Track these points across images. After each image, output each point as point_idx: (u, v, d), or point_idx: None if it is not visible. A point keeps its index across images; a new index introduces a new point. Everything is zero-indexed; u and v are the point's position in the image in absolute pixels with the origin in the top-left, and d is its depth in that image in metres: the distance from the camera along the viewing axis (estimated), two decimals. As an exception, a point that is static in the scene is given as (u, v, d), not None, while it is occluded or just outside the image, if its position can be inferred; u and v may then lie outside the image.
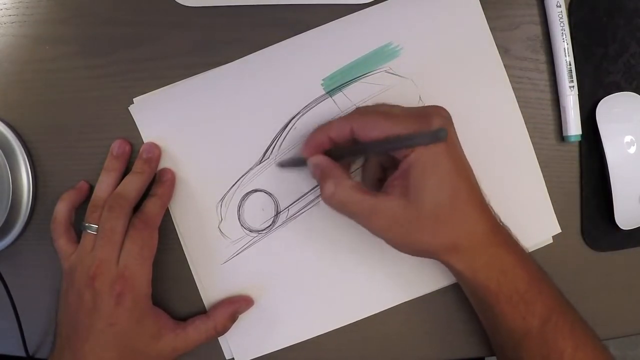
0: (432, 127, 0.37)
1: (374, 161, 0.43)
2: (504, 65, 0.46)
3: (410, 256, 0.46)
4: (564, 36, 0.45)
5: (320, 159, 0.40)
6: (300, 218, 0.46)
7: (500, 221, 0.41)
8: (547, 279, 0.41)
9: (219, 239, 0.46)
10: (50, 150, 0.46)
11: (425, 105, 0.39)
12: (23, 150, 0.45)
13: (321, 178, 0.39)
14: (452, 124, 0.39)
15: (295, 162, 0.44)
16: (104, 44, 0.45)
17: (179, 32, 0.45)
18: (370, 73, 0.46)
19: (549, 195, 0.47)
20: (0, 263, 0.46)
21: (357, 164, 0.45)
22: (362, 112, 0.40)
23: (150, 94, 0.45)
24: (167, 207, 0.45)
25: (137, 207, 0.43)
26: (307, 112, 0.45)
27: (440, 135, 0.33)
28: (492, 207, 0.40)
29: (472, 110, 0.46)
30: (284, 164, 0.45)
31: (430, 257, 0.41)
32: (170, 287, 0.46)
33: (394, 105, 0.41)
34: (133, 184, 0.43)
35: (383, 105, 0.41)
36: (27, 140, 0.46)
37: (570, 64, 0.45)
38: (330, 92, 0.45)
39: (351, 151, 0.40)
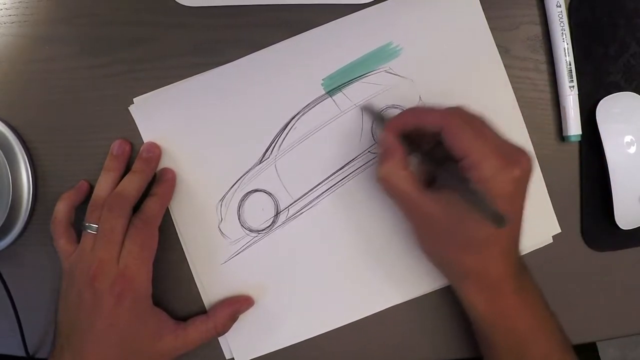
0: (514, 172, 0.36)
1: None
2: (504, 65, 0.46)
3: (409, 255, 0.46)
4: (564, 36, 0.45)
5: (390, 138, 0.40)
6: (300, 218, 0.46)
7: (522, 262, 0.41)
8: (552, 321, 0.41)
9: (219, 239, 0.46)
10: (50, 150, 0.46)
11: (511, 142, 0.38)
12: (23, 150, 0.45)
13: (382, 156, 0.40)
14: (530, 174, 0.38)
15: (377, 118, 0.44)
16: (104, 44, 0.45)
17: (179, 32, 0.45)
18: (370, 73, 0.46)
19: (549, 195, 0.47)
20: (0, 263, 0.46)
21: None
22: (457, 118, 0.38)
23: (150, 94, 0.45)
24: (167, 207, 0.45)
25: (137, 207, 0.43)
26: (307, 112, 0.46)
27: (502, 224, 0.34)
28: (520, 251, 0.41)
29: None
30: (368, 110, 0.45)
31: (442, 272, 0.43)
32: (170, 287, 0.46)
33: (490, 127, 0.38)
34: (133, 184, 0.43)
35: (481, 119, 0.39)
36: (27, 140, 0.46)
37: (570, 64, 0.45)
38: (330, 92, 0.45)
39: (424, 154, 0.41)
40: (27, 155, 0.45)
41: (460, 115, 0.38)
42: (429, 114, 0.39)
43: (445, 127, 0.37)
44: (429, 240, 0.41)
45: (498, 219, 0.34)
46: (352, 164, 0.46)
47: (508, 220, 0.34)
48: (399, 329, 0.47)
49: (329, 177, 0.46)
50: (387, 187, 0.40)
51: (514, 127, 0.46)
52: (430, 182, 0.42)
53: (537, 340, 0.40)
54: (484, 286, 0.40)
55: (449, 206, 0.38)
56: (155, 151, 0.45)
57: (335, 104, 0.46)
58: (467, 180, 0.37)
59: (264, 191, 0.46)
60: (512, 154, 0.37)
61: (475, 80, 0.46)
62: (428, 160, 0.41)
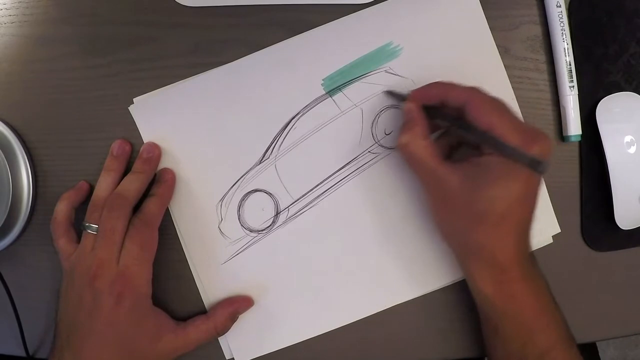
0: (533, 150, 0.36)
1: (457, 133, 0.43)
2: (504, 65, 0.46)
3: (409, 255, 0.46)
4: (564, 36, 0.45)
5: (414, 109, 0.41)
6: (300, 218, 0.46)
7: (532, 253, 0.41)
8: (557, 314, 0.41)
9: (219, 239, 0.46)
10: (50, 150, 0.46)
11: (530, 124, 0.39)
12: (23, 150, 0.45)
13: (405, 125, 0.41)
14: (548, 155, 0.38)
15: (398, 97, 0.45)
16: (104, 44, 0.45)
17: (179, 32, 0.45)
18: (370, 73, 0.46)
19: (549, 195, 0.47)
20: (0, 263, 0.46)
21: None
22: (482, 94, 0.39)
23: (150, 94, 0.45)
24: (167, 207, 0.45)
25: (137, 207, 0.43)
26: (307, 112, 0.46)
27: (541, 168, 0.34)
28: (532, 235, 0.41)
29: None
30: (390, 93, 0.45)
31: (453, 247, 0.42)
32: (170, 287, 0.46)
33: (509, 108, 0.40)
34: (133, 184, 0.43)
35: (502, 101, 0.40)
36: (27, 140, 0.46)
37: (570, 64, 0.45)
38: (330, 92, 0.45)
39: (451, 120, 0.41)
40: (27, 155, 0.45)
41: (485, 92, 0.39)
42: (455, 88, 0.40)
43: (471, 101, 0.39)
44: (444, 210, 0.41)
45: (536, 164, 0.34)
46: (352, 164, 0.46)
47: (546, 165, 0.34)
48: (399, 329, 0.47)
49: (329, 177, 0.46)
50: (407, 155, 0.41)
51: (514, 127, 0.46)
52: (448, 157, 0.43)
53: (542, 330, 0.40)
54: (492, 267, 0.39)
55: (466, 177, 0.38)
56: (155, 151, 0.45)
57: (335, 104, 0.46)
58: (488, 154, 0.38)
59: (264, 191, 0.46)
60: (533, 134, 0.38)
61: (475, 80, 0.45)
62: (447, 135, 0.42)
